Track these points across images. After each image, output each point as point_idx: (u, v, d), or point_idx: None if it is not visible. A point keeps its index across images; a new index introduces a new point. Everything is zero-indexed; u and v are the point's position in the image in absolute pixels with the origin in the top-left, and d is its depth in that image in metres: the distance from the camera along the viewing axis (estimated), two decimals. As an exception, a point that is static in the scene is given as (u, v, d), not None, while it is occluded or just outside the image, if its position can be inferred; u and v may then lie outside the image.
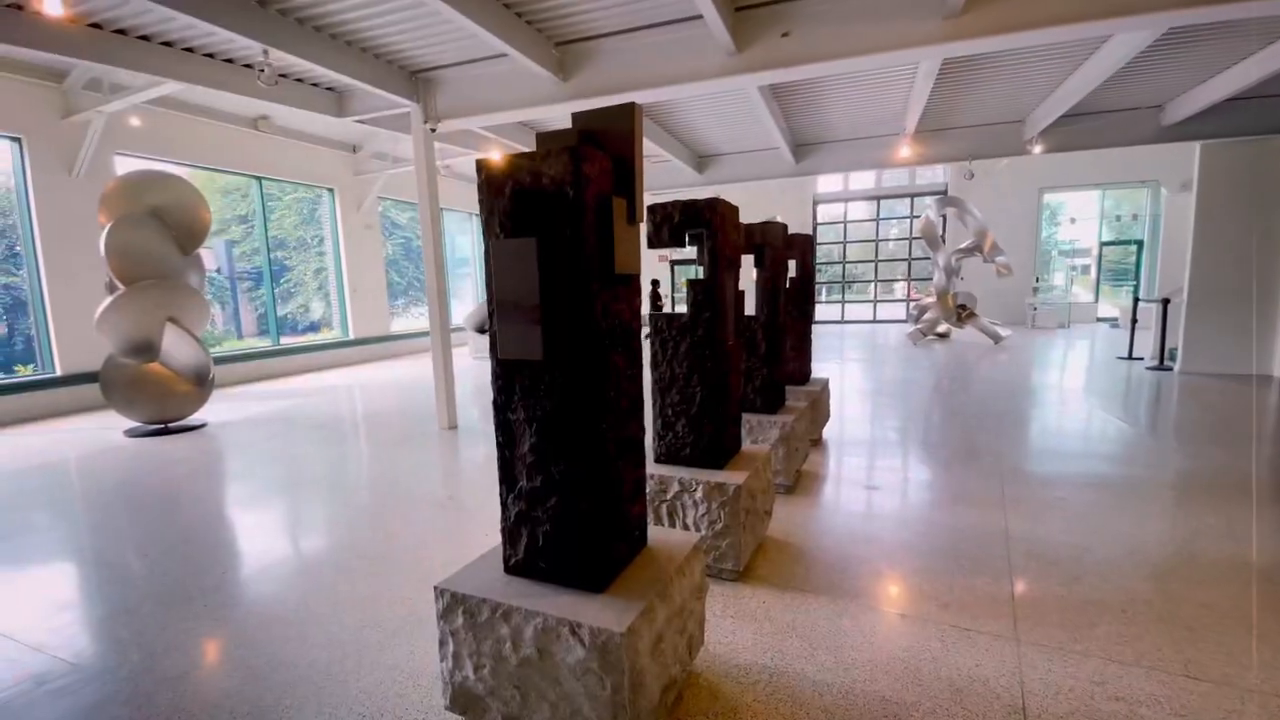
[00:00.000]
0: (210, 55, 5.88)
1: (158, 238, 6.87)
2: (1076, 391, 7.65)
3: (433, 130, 6.07)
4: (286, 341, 12.15)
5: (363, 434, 6.62)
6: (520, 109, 5.65)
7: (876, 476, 4.53)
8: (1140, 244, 17.19)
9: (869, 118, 8.41)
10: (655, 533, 2.32)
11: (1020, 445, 5.27)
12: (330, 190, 12.56)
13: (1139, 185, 16.58)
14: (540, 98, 5.57)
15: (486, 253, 1.88)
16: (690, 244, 3.10)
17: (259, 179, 11.13)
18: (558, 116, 6.49)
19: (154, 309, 6.72)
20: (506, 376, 1.92)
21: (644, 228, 3.15)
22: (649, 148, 9.24)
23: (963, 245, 13.07)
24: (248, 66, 5.68)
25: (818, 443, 5.39)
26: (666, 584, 1.97)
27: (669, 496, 3.03)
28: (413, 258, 19.41)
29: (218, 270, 16.94)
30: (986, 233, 12.63)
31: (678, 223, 2.98)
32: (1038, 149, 8.45)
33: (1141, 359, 9.83)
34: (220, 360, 10.24)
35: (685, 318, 3.05)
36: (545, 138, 1.91)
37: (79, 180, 8.23)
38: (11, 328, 8.42)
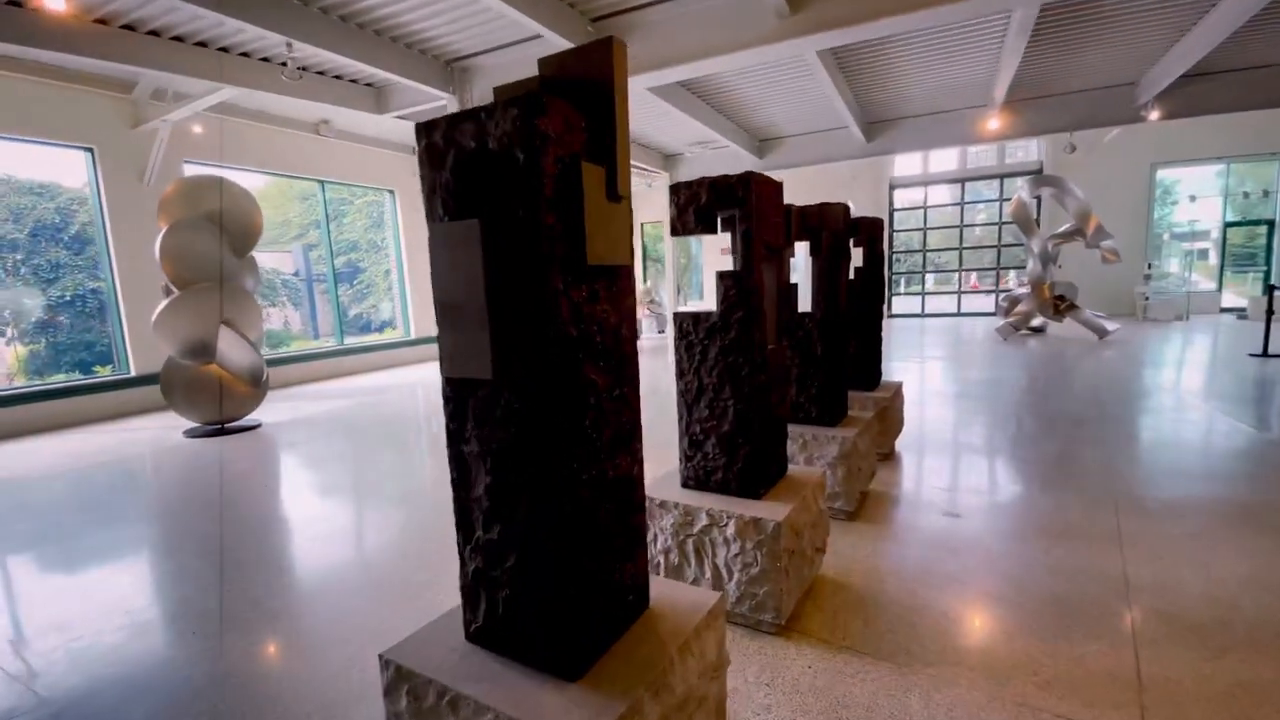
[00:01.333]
0: (246, 54, 5.84)
1: (212, 241, 6.97)
2: (1202, 395, 6.54)
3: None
4: (351, 341, 12.41)
5: (410, 436, 6.47)
6: (556, 93, 5.28)
7: (958, 500, 3.87)
8: (1271, 224, 15.07)
9: (950, 87, 7.54)
10: (663, 588, 1.85)
11: (1136, 462, 4.43)
12: (391, 191, 12.72)
13: (1270, 158, 14.51)
14: (577, 79, 5.16)
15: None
16: (724, 229, 2.60)
17: (322, 182, 11.35)
18: None
19: (209, 312, 6.81)
20: (458, 398, 1.51)
21: (667, 209, 2.68)
22: (702, 133, 8.70)
23: (1062, 229, 11.75)
24: (283, 64, 5.57)
25: (889, 456, 4.74)
26: (664, 670, 1.50)
27: (695, 531, 2.55)
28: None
29: (295, 273, 17.76)
30: (1090, 215, 11.29)
31: (705, 203, 2.49)
32: (1154, 115, 7.33)
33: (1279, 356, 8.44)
34: (287, 360, 10.51)
35: (714, 317, 2.55)
36: (502, 89, 1.48)
37: (150, 188, 8.54)
38: (94, 330, 8.88)
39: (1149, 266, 14.94)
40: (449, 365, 1.46)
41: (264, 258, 17.21)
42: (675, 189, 2.56)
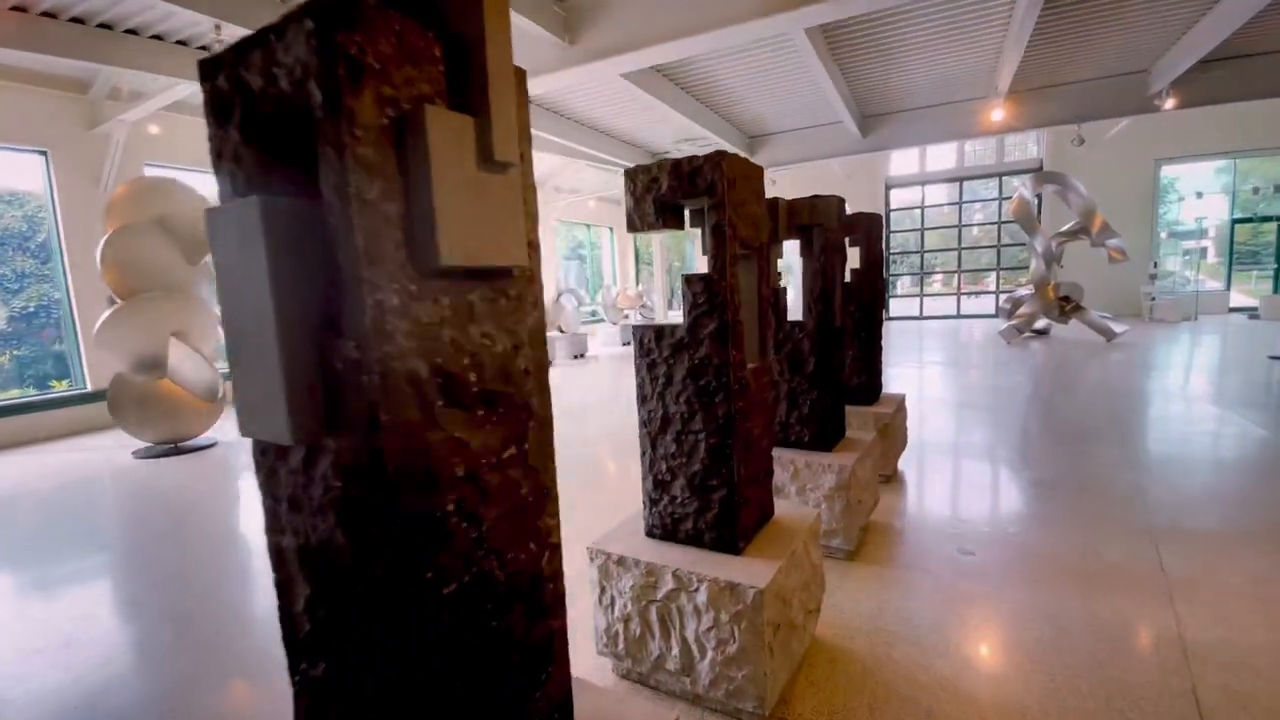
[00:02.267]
0: (204, 47, 5.37)
1: (162, 247, 6.48)
2: (1228, 404, 6.07)
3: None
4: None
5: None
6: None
7: (972, 532, 3.38)
8: (1282, 220, 14.67)
9: (950, 77, 7.09)
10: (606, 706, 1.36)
11: (1170, 485, 3.95)
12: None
13: (1278, 153, 14.10)
14: (544, 64, 4.70)
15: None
16: (695, 224, 2.13)
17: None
18: (566, 87, 5.60)
19: (156, 323, 6.32)
20: (266, 469, 1.02)
21: (624, 200, 2.18)
22: (689, 128, 8.24)
23: (1065, 227, 11.31)
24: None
25: (891, 479, 4.25)
26: None
27: (659, 596, 2.06)
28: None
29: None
30: (1095, 212, 10.84)
31: (667, 191, 2.01)
32: (1170, 104, 6.88)
33: (1306, 358, 7.98)
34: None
35: (680, 331, 2.07)
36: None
37: (108, 193, 8.05)
38: (47, 342, 8.37)
39: (1154, 266, 14.50)
40: (244, 420, 0.98)
41: None
42: (631, 174, 2.08)
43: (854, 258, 4.19)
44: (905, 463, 4.60)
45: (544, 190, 16.48)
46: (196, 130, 8.96)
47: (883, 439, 4.09)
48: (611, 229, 20.85)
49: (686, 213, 2.13)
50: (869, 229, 4.22)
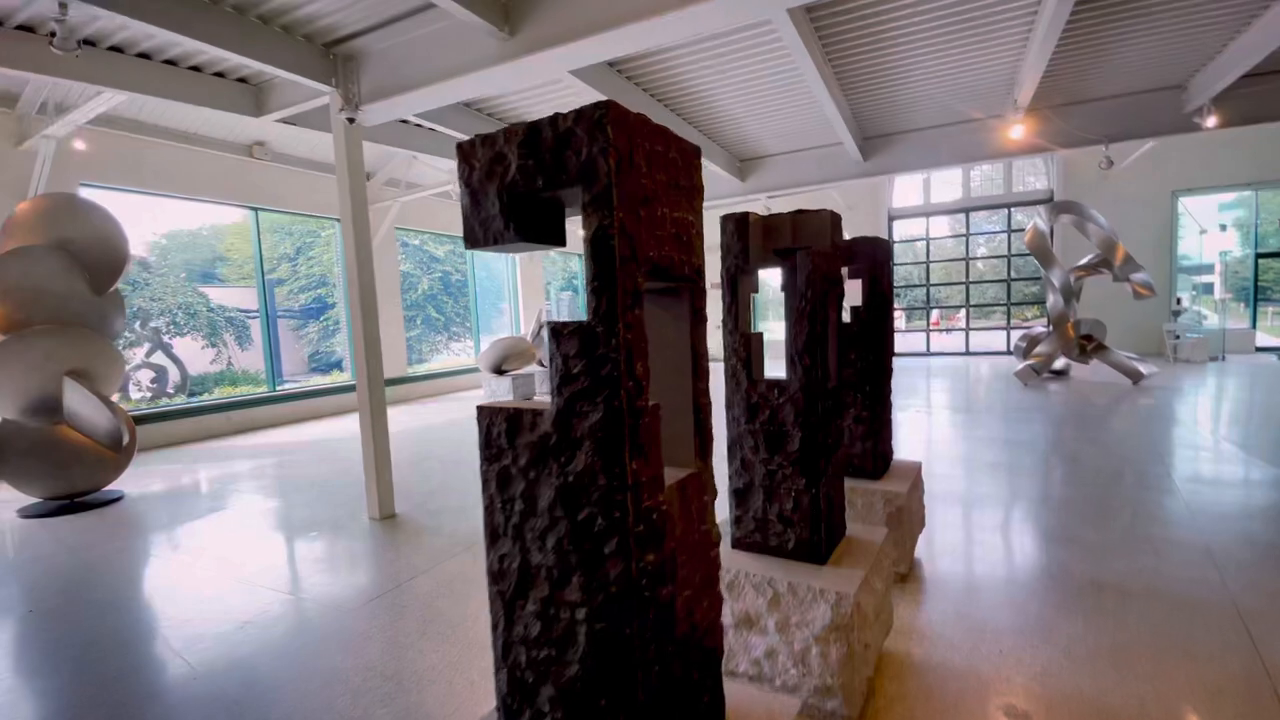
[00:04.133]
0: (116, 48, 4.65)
1: (62, 274, 5.67)
2: (1303, 466, 5.12)
3: (350, 120, 4.53)
4: (291, 387, 11.07)
5: (277, 518, 5.03)
6: (453, 78, 4.02)
7: (1019, 674, 2.42)
8: (1312, 255, 13.84)
9: (963, 92, 6.33)
10: None
11: (1269, 575, 2.99)
12: (339, 221, 11.49)
13: (1307, 183, 13.34)
14: (479, 60, 3.91)
15: None
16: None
17: (255, 210, 10.14)
18: (504, 88, 4.80)
19: (44, 361, 5.46)
20: None
21: (458, 195, 1.28)
22: (676, 150, 7.49)
23: (1085, 260, 10.49)
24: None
25: (906, 577, 3.30)
26: None
27: None
28: (452, 292, 18.46)
29: (256, 311, 16.53)
30: (1116, 244, 10.04)
31: (519, 176, 1.14)
32: (1212, 122, 6.08)
33: (1372, 409, 7.03)
34: (205, 410, 9.11)
35: (544, 423, 1.18)
36: None
37: (26, 213, 7.28)
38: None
39: (1177, 302, 13.63)
40: None
41: (228, 294, 16.06)
42: (465, 151, 1.21)
43: (853, 292, 3.33)
44: (924, 549, 3.65)
45: (532, 219, 15.79)
46: (137, 148, 8.24)
47: (895, 528, 3.16)
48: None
49: (564, 210, 1.26)
50: (874, 257, 3.35)
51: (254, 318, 15.10)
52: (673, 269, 1.22)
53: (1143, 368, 9.94)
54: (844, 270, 3.45)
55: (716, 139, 7.75)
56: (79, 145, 7.33)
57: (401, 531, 4.55)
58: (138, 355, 11.08)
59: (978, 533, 3.97)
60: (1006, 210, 15.86)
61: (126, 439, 5.94)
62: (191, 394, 11.24)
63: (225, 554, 4.26)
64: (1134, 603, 2.94)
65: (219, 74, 5.12)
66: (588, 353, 1.09)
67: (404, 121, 6.85)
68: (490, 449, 1.25)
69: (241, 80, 5.26)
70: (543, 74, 4.05)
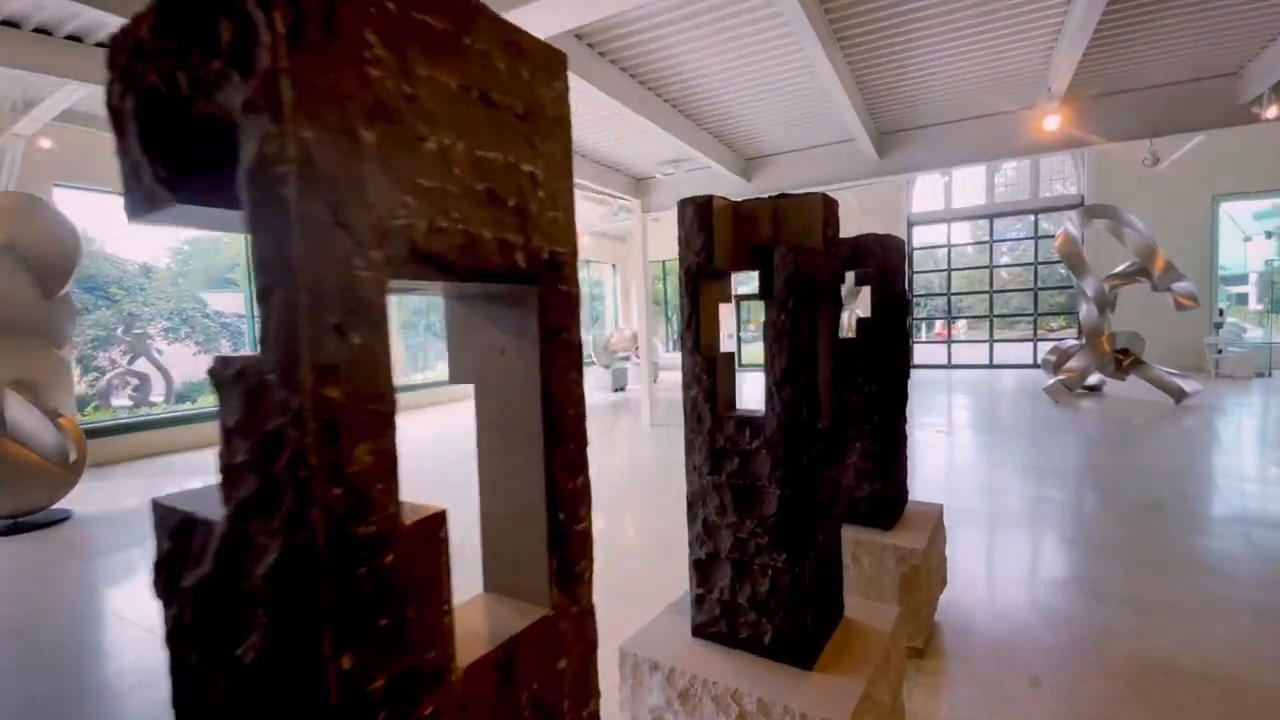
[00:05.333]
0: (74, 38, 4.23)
1: (5, 277, 5.26)
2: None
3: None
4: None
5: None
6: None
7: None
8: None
9: (991, 78, 5.71)
10: None
11: (1402, 688, 2.34)
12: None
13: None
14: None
15: None
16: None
17: (242, 212, 9.76)
18: None
19: (-21, 371, 5.04)
20: None
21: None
22: (674, 148, 6.94)
23: (1121, 268, 9.75)
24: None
25: (924, 652, 2.68)
26: None
27: None
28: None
29: (243, 315, 16.27)
30: (1156, 251, 9.29)
31: (158, 70, 0.58)
32: (1272, 113, 5.40)
33: None
34: (180, 421, 8.71)
35: (207, 556, 0.61)
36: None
37: None
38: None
39: (1220, 314, 12.76)
40: None
41: (226, 300, 15.80)
42: (114, 44, 0.65)
43: (854, 302, 2.75)
44: (946, 613, 3.03)
45: (536, 224, 15.35)
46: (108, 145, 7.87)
47: (910, 592, 2.55)
48: (614, 266, 19.67)
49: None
50: (885, 259, 2.76)
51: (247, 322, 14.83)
52: (483, 258, 0.66)
53: (1185, 384, 9.15)
54: (850, 275, 2.88)
55: (717, 134, 7.18)
56: (45, 144, 6.96)
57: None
58: (127, 362, 10.75)
59: (1008, 589, 3.34)
60: (1033, 216, 15.09)
61: (74, 455, 5.50)
62: (179, 401, 10.89)
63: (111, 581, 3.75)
64: (1210, 690, 2.30)
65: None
66: (252, 423, 0.53)
67: None
68: (160, 582, 0.69)
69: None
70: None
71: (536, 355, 0.75)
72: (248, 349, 13.40)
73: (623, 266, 19.40)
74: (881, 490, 2.77)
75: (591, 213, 14.80)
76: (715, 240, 1.77)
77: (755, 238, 1.86)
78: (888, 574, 2.60)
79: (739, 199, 1.90)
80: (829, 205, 1.83)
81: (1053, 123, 5.74)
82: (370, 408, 0.55)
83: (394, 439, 0.58)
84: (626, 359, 15.09)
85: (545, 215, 0.75)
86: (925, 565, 2.61)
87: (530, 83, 0.73)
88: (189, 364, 11.64)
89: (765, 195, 1.88)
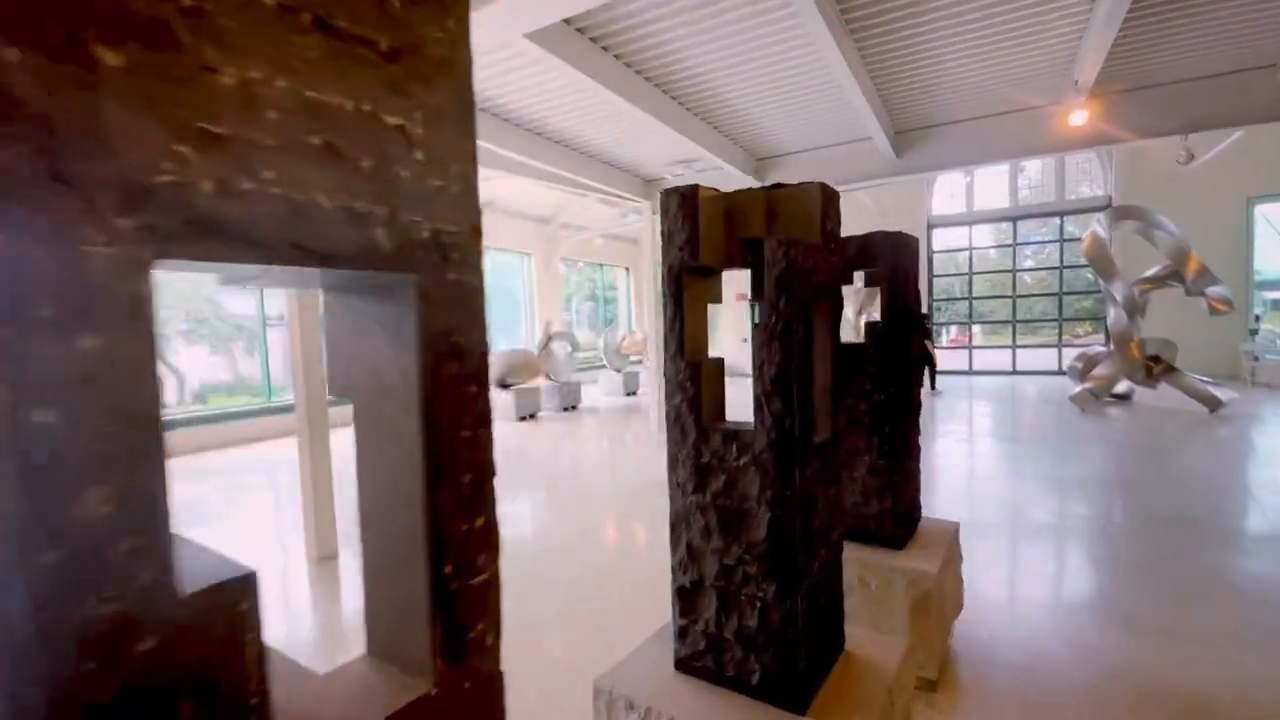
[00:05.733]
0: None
1: None
2: None
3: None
4: (228, 405, 10.67)
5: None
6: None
7: None
8: None
9: (1014, 72, 5.46)
10: None
11: None
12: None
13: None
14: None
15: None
16: None
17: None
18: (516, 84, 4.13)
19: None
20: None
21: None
22: (684, 148, 6.78)
23: (1151, 272, 9.38)
24: None
25: (936, 685, 2.47)
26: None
27: None
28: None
29: (281, 316, 16.36)
30: (1189, 254, 8.91)
31: None
32: (1317, 105, 5.09)
33: None
34: (183, 423, 8.72)
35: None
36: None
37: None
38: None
39: (1255, 319, 12.26)
40: None
41: (241, 302, 15.87)
42: None
43: (857, 306, 2.54)
44: (963, 642, 2.81)
45: (550, 227, 15.30)
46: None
47: (921, 619, 2.35)
48: (628, 269, 19.55)
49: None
50: (896, 258, 2.57)
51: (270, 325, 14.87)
52: (317, 235, 0.50)
53: (1219, 393, 8.76)
54: (858, 275, 2.69)
55: (728, 133, 7.00)
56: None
57: (335, 580, 3.90)
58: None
59: (1030, 615, 3.10)
60: (1058, 219, 14.67)
61: None
62: (195, 403, 10.94)
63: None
64: (1267, 747, 2.07)
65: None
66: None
67: None
68: None
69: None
70: (489, 37, 3.39)
71: (415, 363, 0.59)
72: (259, 353, 13.46)
73: (635, 269, 19.27)
74: (891, 507, 2.56)
75: (604, 214, 14.68)
76: (701, 234, 1.60)
77: (747, 231, 1.69)
78: (897, 598, 2.40)
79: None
80: (829, 195, 1.65)
81: (1080, 118, 5.46)
82: (114, 434, 0.40)
83: (160, 476, 0.42)
84: (639, 363, 14.94)
85: (426, 184, 0.59)
86: (938, 590, 2.40)
87: (404, 13, 0.57)
88: (204, 366, 11.72)
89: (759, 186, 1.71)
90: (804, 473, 1.52)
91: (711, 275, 1.72)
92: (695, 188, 1.60)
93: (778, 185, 1.68)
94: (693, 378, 1.62)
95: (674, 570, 1.70)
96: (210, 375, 12.50)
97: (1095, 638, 2.83)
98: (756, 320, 1.55)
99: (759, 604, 1.54)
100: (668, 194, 1.62)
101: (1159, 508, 4.61)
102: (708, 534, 1.62)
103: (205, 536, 4.88)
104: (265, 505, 5.75)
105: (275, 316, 14.83)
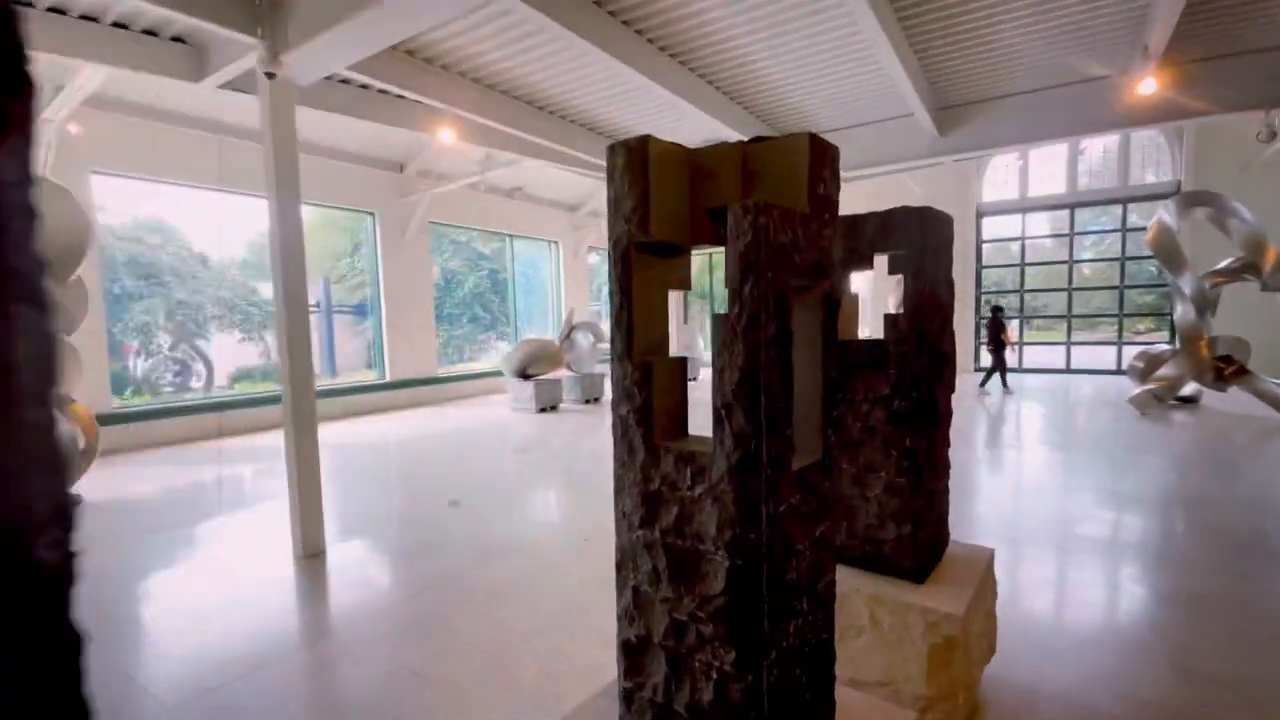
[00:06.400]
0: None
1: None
2: None
3: (270, 76, 3.71)
4: (321, 384, 10.71)
5: (183, 547, 4.30)
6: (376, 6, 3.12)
7: None
8: None
9: (1072, 39, 4.88)
10: None
11: None
12: (372, 214, 11.08)
13: None
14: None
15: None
16: None
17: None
18: (442, 14, 3.74)
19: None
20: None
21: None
22: (711, 129, 6.37)
23: (1223, 264, 8.55)
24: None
25: (958, 746, 2.09)
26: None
27: None
28: (499, 291, 17.98)
29: (316, 304, 16.61)
30: (1266, 245, 8.06)
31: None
32: None
33: None
34: (198, 409, 8.75)
35: None
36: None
37: (29, 199, 7.05)
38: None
39: (1343, 317, 11.12)
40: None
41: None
42: None
43: (874, 289, 2.14)
44: (993, 683, 2.41)
45: (579, 215, 15.03)
46: (152, 134, 7.93)
47: (941, 670, 1.97)
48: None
49: None
50: (924, 238, 2.16)
51: (339, 313, 15.06)
52: None
53: (1302, 399, 7.92)
54: (876, 258, 2.30)
55: (757, 112, 6.55)
56: (73, 129, 7.00)
57: (317, 580, 3.70)
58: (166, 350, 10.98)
59: (1075, 657, 2.67)
60: (1121, 206, 13.64)
61: (83, 442, 5.45)
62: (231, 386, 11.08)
63: (100, 593, 3.53)
64: None
65: (149, 31, 4.45)
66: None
67: (345, 83, 5.89)
68: None
69: (177, 40, 4.57)
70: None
71: None
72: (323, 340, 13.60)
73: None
74: (912, 533, 2.18)
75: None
76: (654, 201, 1.26)
77: (720, 198, 1.34)
78: (914, 643, 2.03)
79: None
80: (822, 151, 1.28)
81: (1149, 86, 4.83)
82: None
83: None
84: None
85: None
86: (963, 635, 2.02)
87: None
88: (233, 351, 11.88)
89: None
90: (776, 508, 1.17)
91: (671, 254, 1.38)
92: (646, 139, 1.25)
93: (759, 139, 1.32)
94: (642, 383, 1.28)
95: (619, 620, 1.37)
96: (242, 360, 12.68)
97: (1149, 689, 2.39)
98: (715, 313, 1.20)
99: (715, 675, 1.20)
100: (613, 149, 1.28)
101: (1227, 529, 4.06)
102: (656, 579, 1.28)
103: (197, 532, 4.76)
104: (264, 497, 5.63)
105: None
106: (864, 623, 2.14)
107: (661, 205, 1.27)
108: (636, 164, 1.25)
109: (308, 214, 14.51)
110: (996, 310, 11.27)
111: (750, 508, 1.14)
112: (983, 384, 11.44)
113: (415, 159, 10.94)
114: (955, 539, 2.59)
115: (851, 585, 2.18)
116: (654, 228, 1.26)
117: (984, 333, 12.27)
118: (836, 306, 1.36)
